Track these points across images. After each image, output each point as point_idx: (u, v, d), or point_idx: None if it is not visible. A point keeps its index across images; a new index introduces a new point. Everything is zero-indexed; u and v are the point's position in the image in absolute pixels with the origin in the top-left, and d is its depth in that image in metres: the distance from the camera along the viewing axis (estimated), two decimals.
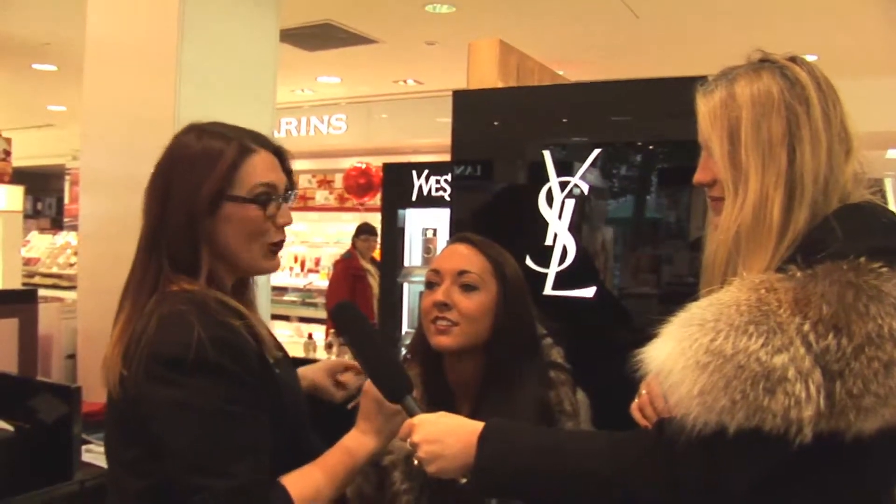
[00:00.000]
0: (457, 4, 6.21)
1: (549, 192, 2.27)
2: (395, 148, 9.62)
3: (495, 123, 2.43)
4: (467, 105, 2.47)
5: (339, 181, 10.95)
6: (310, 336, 5.30)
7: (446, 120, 2.51)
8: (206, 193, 1.50)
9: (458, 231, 2.35)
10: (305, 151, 11.03)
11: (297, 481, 1.46)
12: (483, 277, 1.85)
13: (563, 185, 2.26)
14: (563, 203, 2.26)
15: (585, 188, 2.25)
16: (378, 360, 1.56)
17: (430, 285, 1.89)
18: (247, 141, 1.57)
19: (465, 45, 4.37)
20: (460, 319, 1.82)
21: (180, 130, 1.60)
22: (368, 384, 1.57)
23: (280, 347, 1.65)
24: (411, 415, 1.49)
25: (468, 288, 1.84)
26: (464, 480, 1.41)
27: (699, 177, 1.40)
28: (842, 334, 1.10)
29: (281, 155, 1.64)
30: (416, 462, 1.45)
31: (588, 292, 2.23)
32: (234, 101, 3.47)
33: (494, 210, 2.41)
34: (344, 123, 10.41)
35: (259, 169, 1.55)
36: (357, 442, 1.56)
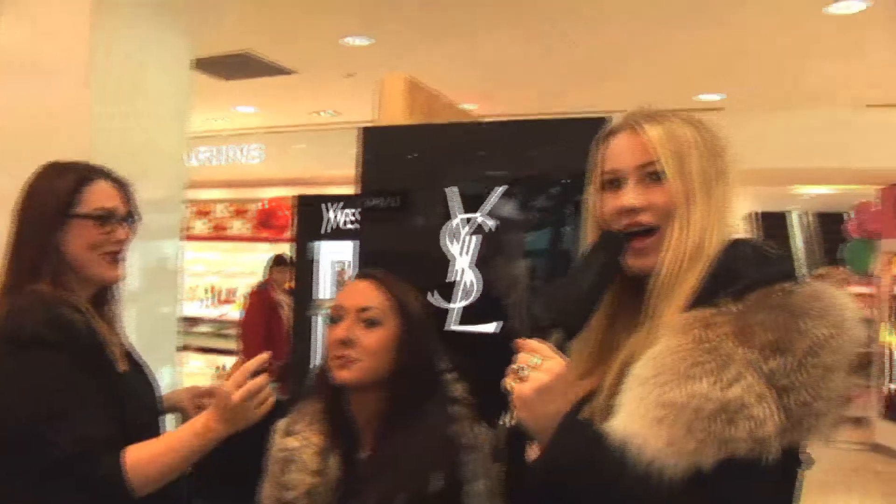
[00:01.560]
0: (374, 37, 6.25)
1: (454, 228, 2.31)
2: (312, 178, 9.56)
3: (402, 159, 2.46)
4: (375, 141, 2.50)
5: (255, 211, 10.86)
6: (220, 368, 5.19)
7: None
8: (52, 210, 1.86)
9: (365, 266, 2.37)
10: (221, 180, 10.91)
11: (138, 449, 1.74)
12: (385, 313, 1.88)
13: (467, 222, 2.30)
14: (467, 239, 2.29)
15: (490, 224, 2.29)
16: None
17: (333, 321, 1.91)
18: (89, 173, 1.94)
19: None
20: (362, 355, 1.84)
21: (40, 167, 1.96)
22: (220, 386, 1.82)
23: (127, 354, 2.00)
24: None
25: (370, 324, 1.87)
26: (510, 422, 1.38)
27: (632, 201, 1.44)
28: (786, 354, 1.21)
29: (124, 187, 2.00)
30: (518, 375, 1.33)
31: (491, 327, 2.27)
32: (147, 127, 3.45)
33: (400, 245, 2.43)
34: (260, 153, 10.33)
35: (100, 195, 1.91)
36: (204, 425, 1.82)
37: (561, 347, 1.36)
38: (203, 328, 10.08)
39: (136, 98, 3.44)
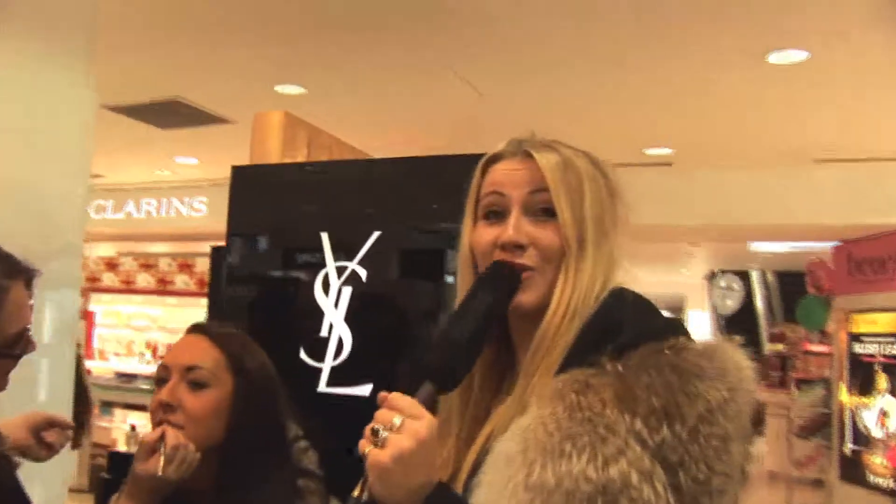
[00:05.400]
0: (307, 86, 6.08)
1: (326, 279, 2.06)
2: None
3: (274, 202, 2.24)
4: (246, 181, 2.28)
5: (200, 265, 10.56)
6: (132, 428, 4.85)
7: None
8: None
9: (225, 319, 2.13)
10: (165, 233, 10.66)
11: None
12: (216, 373, 1.65)
13: (340, 271, 2.06)
14: (339, 290, 2.05)
15: (364, 274, 2.05)
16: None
17: (159, 382, 1.67)
18: None
19: (318, 124, 4.28)
20: (186, 422, 1.60)
21: None
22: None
23: None
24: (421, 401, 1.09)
25: (196, 386, 1.63)
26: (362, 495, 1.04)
27: (515, 236, 1.20)
28: (675, 421, 1.01)
29: None
30: (376, 438, 1.03)
31: (364, 390, 2.01)
32: (43, 173, 3.25)
33: (268, 297, 2.19)
34: (205, 206, 10.07)
35: None
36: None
37: (432, 404, 1.08)
38: (140, 384, 9.70)
39: (31, 144, 3.24)
